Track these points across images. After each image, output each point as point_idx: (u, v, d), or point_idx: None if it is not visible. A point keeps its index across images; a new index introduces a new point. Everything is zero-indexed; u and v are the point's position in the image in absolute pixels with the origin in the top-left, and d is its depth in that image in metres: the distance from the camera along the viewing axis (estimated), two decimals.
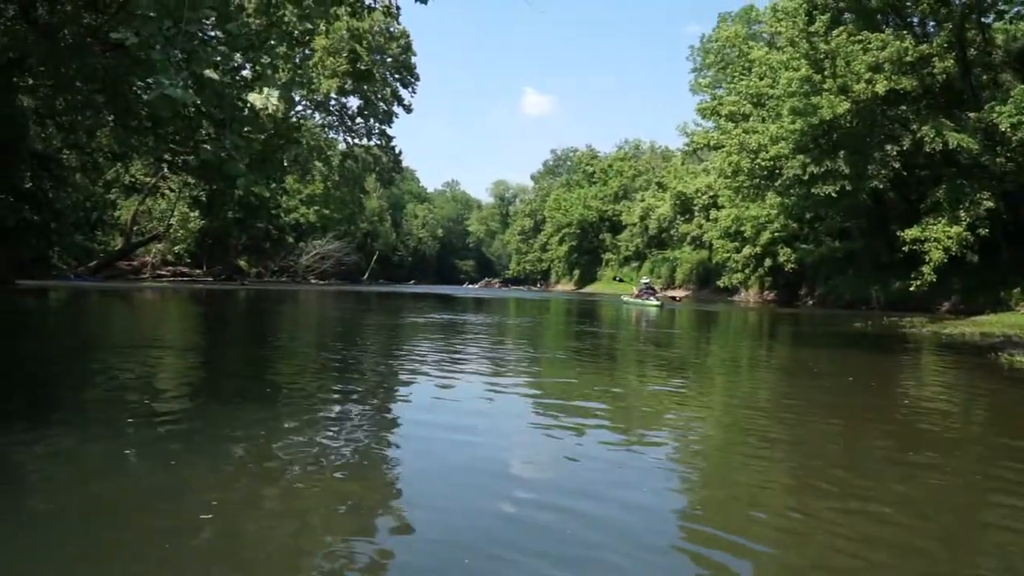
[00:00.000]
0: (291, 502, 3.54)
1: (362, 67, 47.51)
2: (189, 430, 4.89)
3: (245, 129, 10.49)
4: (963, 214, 28.76)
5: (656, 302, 32.91)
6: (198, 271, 56.97)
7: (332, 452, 4.47)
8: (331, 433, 5.02)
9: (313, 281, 66.75)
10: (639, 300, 33.76)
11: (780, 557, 3.12)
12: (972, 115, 28.08)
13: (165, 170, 31.54)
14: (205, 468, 4.00)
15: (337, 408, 6.03)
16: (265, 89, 5.99)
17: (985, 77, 31.29)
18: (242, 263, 64.39)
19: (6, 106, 19.40)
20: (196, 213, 53.28)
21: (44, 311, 19.05)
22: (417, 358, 9.83)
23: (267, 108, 5.56)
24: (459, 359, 9.88)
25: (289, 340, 13.35)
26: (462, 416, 5.87)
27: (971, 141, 27.63)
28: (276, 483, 3.84)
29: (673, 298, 38.77)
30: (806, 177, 31.19)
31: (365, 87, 53.50)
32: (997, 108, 26.97)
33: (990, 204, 28.68)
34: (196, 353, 10.47)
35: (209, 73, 6.62)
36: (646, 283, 38.04)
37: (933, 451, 5.16)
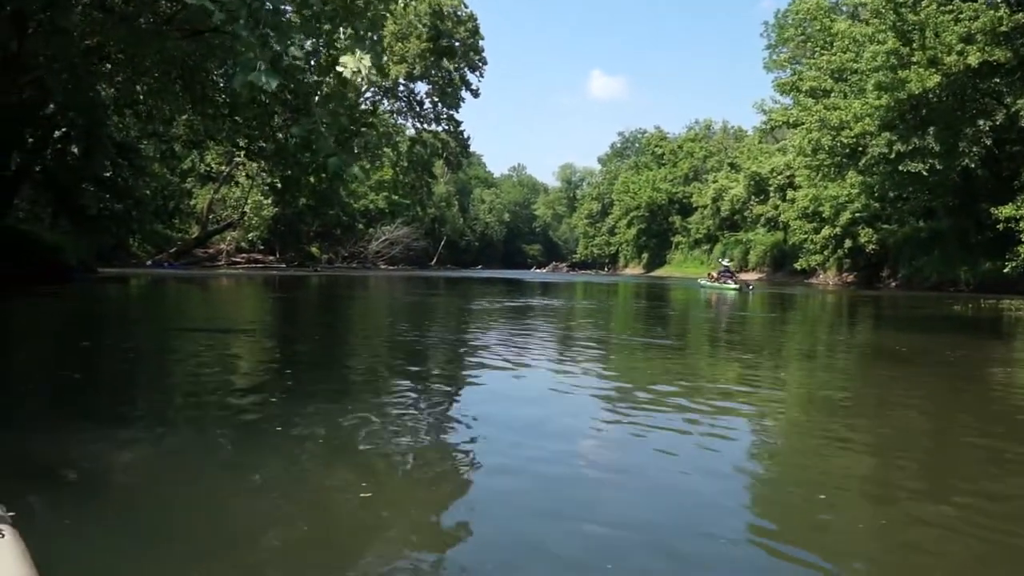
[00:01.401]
0: (366, 491, 3.42)
1: (444, 43, 47.79)
2: (268, 421, 4.79)
3: (331, 105, 10.55)
4: None
5: (735, 285, 32.23)
6: (271, 257, 58.48)
7: (405, 442, 4.41)
8: (405, 421, 4.97)
9: (382, 267, 67.77)
10: (717, 283, 33.13)
11: (844, 563, 2.80)
12: None
13: (240, 157, 32.31)
14: (281, 458, 3.94)
15: (410, 395, 5.99)
16: (357, 51, 5.96)
17: None
18: (314, 249, 65.79)
19: (87, 95, 20.08)
20: (269, 200, 54.61)
21: (126, 298, 19.83)
22: (488, 344, 9.70)
23: (360, 72, 5.52)
24: (529, 345, 9.74)
25: (361, 326, 13.54)
26: (535, 404, 5.76)
27: None
28: (350, 475, 3.71)
29: (747, 283, 38.01)
30: (892, 155, 30.06)
31: (433, 72, 53.86)
32: None
33: None
34: (273, 340, 10.69)
35: (294, 51, 6.62)
36: (726, 266, 37.22)
37: None
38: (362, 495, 3.34)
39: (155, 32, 16.81)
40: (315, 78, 15.78)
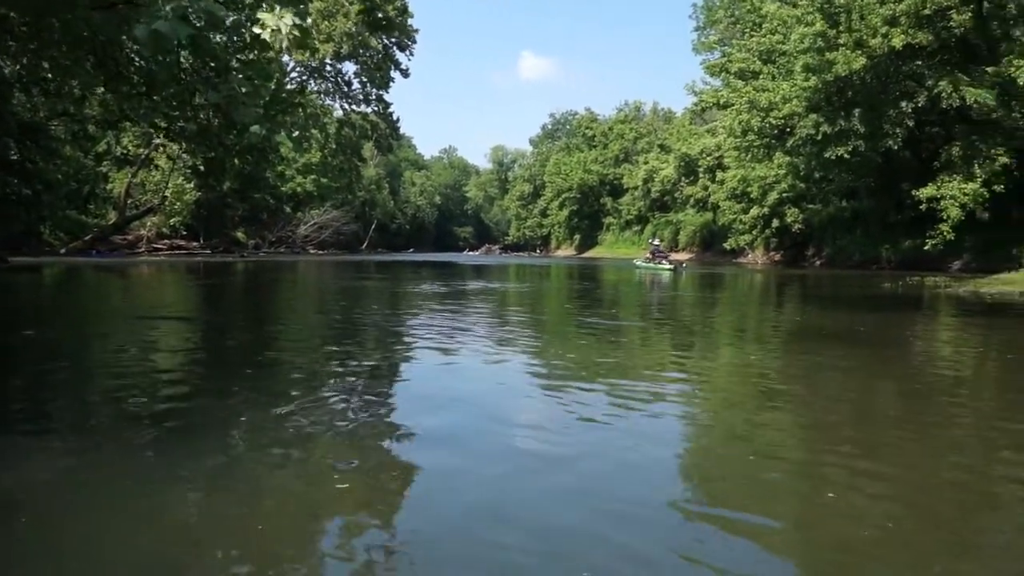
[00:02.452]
0: (298, 478, 3.47)
1: (380, 15, 46.50)
2: (197, 421, 4.57)
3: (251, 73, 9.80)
4: (978, 171, 28.32)
5: (669, 265, 32.54)
6: (195, 244, 56.36)
7: (335, 429, 4.28)
8: (335, 409, 4.79)
9: (311, 251, 66.30)
10: (652, 264, 33.40)
11: (785, 516, 3.13)
12: (990, 70, 27.52)
13: (159, 139, 30.83)
14: (214, 460, 3.75)
15: (341, 381, 5.84)
16: (277, 7, 5.46)
17: (1000, 31, 30.60)
18: (239, 235, 63.75)
19: None
20: (192, 184, 52.52)
21: (39, 288, 18.68)
22: (422, 329, 9.55)
23: (281, 32, 5.03)
24: (462, 328, 9.63)
25: (290, 313, 13.16)
26: (469, 385, 5.77)
27: (988, 96, 27.11)
28: (280, 462, 3.70)
29: (681, 263, 38.79)
30: (819, 136, 30.63)
31: (362, 51, 52.53)
32: (1015, 62, 26.43)
33: (1005, 160, 28.24)
34: (200, 331, 10.20)
35: (206, 4, 6.02)
36: (656, 245, 37.57)
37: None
38: (300, 492, 3.25)
39: (63, 2, 15.69)
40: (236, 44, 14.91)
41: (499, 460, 3.75)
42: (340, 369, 6.43)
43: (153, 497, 3.15)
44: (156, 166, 48.97)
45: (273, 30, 5.71)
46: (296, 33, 5.93)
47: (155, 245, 51.91)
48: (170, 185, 51.25)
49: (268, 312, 13.12)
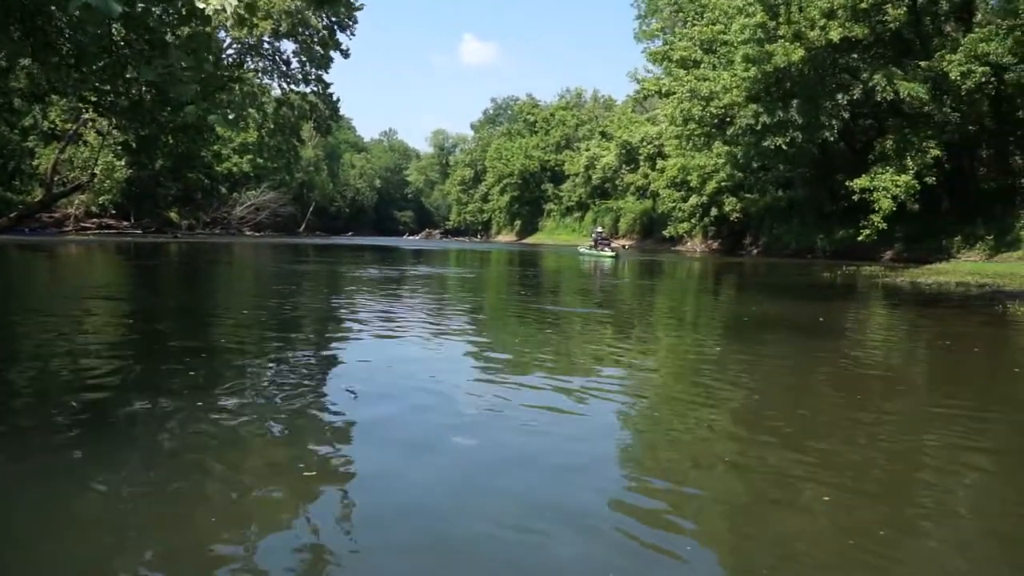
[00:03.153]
0: (231, 469, 3.38)
1: None
2: (118, 411, 4.34)
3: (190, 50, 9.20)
4: (910, 163, 29.05)
5: (611, 252, 32.60)
6: (125, 223, 54.22)
7: (269, 420, 4.18)
8: (269, 399, 4.66)
9: (247, 233, 64.53)
10: (595, 251, 33.44)
11: (716, 500, 3.18)
12: (923, 64, 28.20)
13: (88, 113, 29.37)
14: (135, 449, 3.64)
15: (275, 371, 5.66)
16: None
17: (932, 27, 31.42)
18: (172, 215, 61.59)
19: None
20: (123, 162, 50.42)
21: None
22: (359, 315, 9.35)
23: (225, 11, 4.62)
24: (402, 316, 9.39)
25: (226, 297, 12.61)
26: (405, 375, 5.70)
27: (921, 90, 27.78)
28: (215, 453, 3.59)
29: (623, 246, 39.18)
30: (758, 127, 30.98)
31: (301, 30, 51.14)
32: (947, 57, 27.13)
33: (936, 153, 29.04)
34: (131, 316, 9.60)
35: None
36: (598, 231, 37.67)
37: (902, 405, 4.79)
38: (230, 493, 3.11)
39: None
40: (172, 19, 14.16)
41: (435, 456, 3.66)
42: (276, 359, 6.17)
43: (74, 497, 3.00)
44: (85, 142, 46.82)
45: (217, 9, 5.26)
46: (241, 11, 5.50)
47: (83, 224, 49.76)
48: (100, 162, 49.11)
49: (203, 296, 12.54)
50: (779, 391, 5.43)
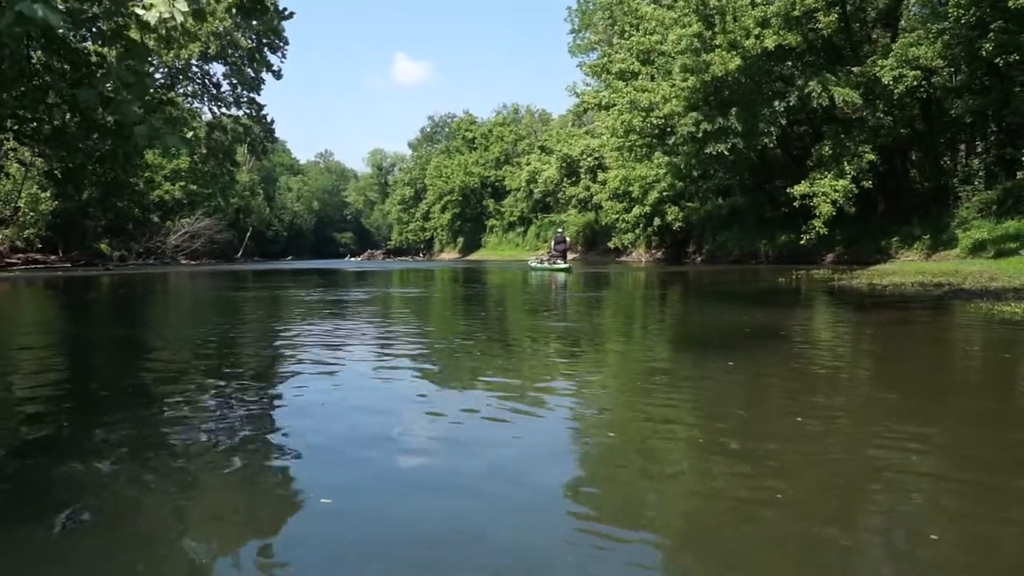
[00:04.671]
0: (175, 504, 3.27)
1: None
2: (44, 458, 3.96)
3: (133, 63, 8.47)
4: (847, 167, 29.56)
5: (565, 265, 31.99)
6: (53, 257, 51.88)
7: (212, 468, 3.79)
8: (213, 445, 4.22)
9: (183, 262, 62.49)
10: (547, 265, 32.64)
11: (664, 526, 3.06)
12: (855, 70, 28.77)
13: (10, 142, 27.90)
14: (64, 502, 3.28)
15: (218, 403, 5.30)
16: None
17: (861, 33, 32.18)
18: (103, 246, 59.25)
19: None
20: (48, 193, 48.31)
21: None
22: (301, 343, 8.80)
23: (174, 21, 4.08)
24: (346, 340, 8.93)
25: (160, 330, 11.81)
26: (353, 402, 5.42)
27: (854, 95, 28.31)
28: (155, 491, 3.41)
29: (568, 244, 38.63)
30: (699, 135, 31.17)
31: (231, 51, 49.88)
32: (879, 62, 27.72)
33: (872, 157, 29.61)
34: (55, 353, 8.80)
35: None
36: (560, 233, 36.53)
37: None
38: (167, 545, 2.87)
39: None
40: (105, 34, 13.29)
41: (382, 489, 3.48)
42: (216, 392, 5.67)
43: None
44: (7, 174, 44.71)
45: (164, 17, 4.64)
46: (191, 20, 4.89)
47: (8, 260, 47.34)
48: (23, 194, 46.99)
49: (138, 330, 11.67)
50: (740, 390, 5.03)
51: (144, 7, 4.57)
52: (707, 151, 32.07)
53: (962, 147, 33.58)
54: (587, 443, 4.32)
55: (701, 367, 6.85)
